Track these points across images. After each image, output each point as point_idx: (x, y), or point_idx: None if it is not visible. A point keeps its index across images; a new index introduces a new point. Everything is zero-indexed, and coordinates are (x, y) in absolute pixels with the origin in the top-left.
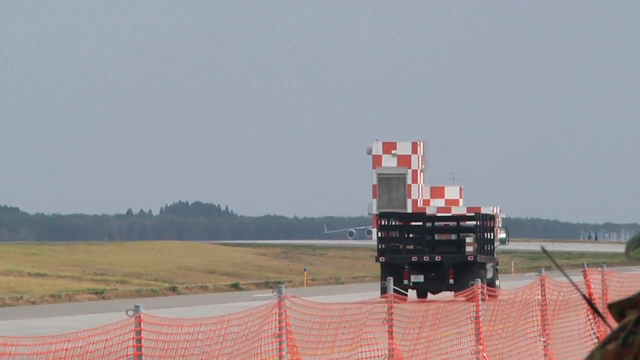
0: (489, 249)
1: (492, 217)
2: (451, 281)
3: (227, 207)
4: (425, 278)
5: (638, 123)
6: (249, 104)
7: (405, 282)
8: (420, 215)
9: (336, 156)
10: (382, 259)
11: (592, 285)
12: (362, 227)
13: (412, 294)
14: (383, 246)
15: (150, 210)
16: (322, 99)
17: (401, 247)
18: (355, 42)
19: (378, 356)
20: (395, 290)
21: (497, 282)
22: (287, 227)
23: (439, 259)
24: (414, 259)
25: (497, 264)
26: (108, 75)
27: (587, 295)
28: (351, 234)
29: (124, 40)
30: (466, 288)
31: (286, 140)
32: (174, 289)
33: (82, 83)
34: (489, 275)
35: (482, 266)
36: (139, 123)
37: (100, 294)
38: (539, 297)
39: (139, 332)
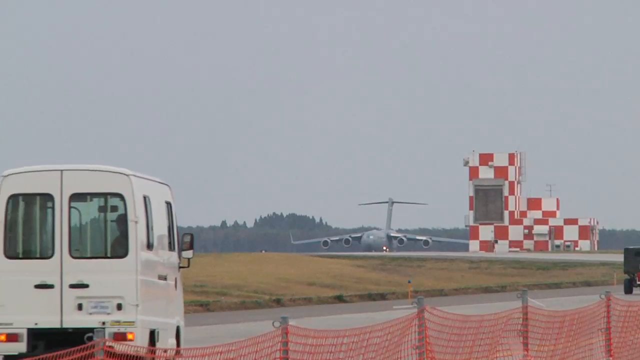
0: None
1: None
2: None
3: (321, 219)
4: None
5: None
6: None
7: None
8: None
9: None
10: None
11: None
12: (337, 238)
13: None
14: None
15: (244, 222)
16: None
17: None
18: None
19: None
20: None
21: None
22: None
23: None
24: None
25: None
26: (201, 88)
27: None
28: (326, 243)
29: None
30: None
31: (380, 151)
32: (278, 301)
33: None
34: None
35: None
36: (233, 135)
37: (205, 306)
38: None
39: (285, 344)
